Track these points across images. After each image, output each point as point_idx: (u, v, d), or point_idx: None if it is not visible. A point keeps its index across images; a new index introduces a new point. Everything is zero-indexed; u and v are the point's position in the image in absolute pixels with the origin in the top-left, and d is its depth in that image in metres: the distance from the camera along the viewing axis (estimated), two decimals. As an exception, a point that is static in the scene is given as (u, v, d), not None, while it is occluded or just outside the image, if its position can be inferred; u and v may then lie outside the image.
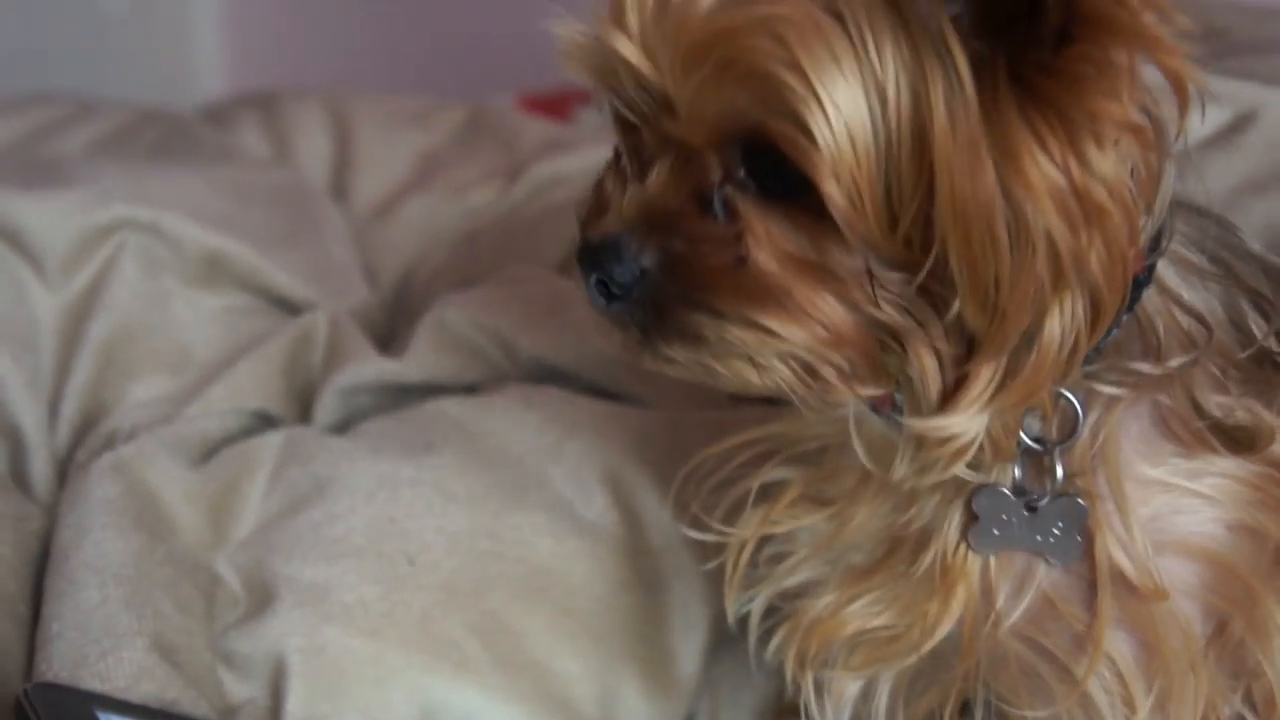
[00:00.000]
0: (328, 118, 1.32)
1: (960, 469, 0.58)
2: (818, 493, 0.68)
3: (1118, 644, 0.60)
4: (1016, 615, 0.61)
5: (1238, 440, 0.60)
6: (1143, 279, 0.58)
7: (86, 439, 0.88)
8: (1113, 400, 0.59)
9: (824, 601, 0.66)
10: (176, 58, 2.53)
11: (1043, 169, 0.49)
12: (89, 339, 0.92)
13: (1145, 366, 0.58)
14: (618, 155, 0.60)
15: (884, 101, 0.50)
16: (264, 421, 0.91)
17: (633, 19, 0.54)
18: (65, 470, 0.87)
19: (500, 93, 1.82)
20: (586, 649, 0.81)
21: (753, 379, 0.56)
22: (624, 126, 0.59)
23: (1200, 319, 0.60)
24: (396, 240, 1.18)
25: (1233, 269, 0.63)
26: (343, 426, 0.91)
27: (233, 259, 0.99)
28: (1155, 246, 0.58)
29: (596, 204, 0.60)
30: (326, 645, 0.76)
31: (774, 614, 0.71)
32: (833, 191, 0.51)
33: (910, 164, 0.51)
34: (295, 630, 0.76)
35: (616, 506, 0.84)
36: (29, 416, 0.88)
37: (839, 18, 0.50)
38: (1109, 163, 0.50)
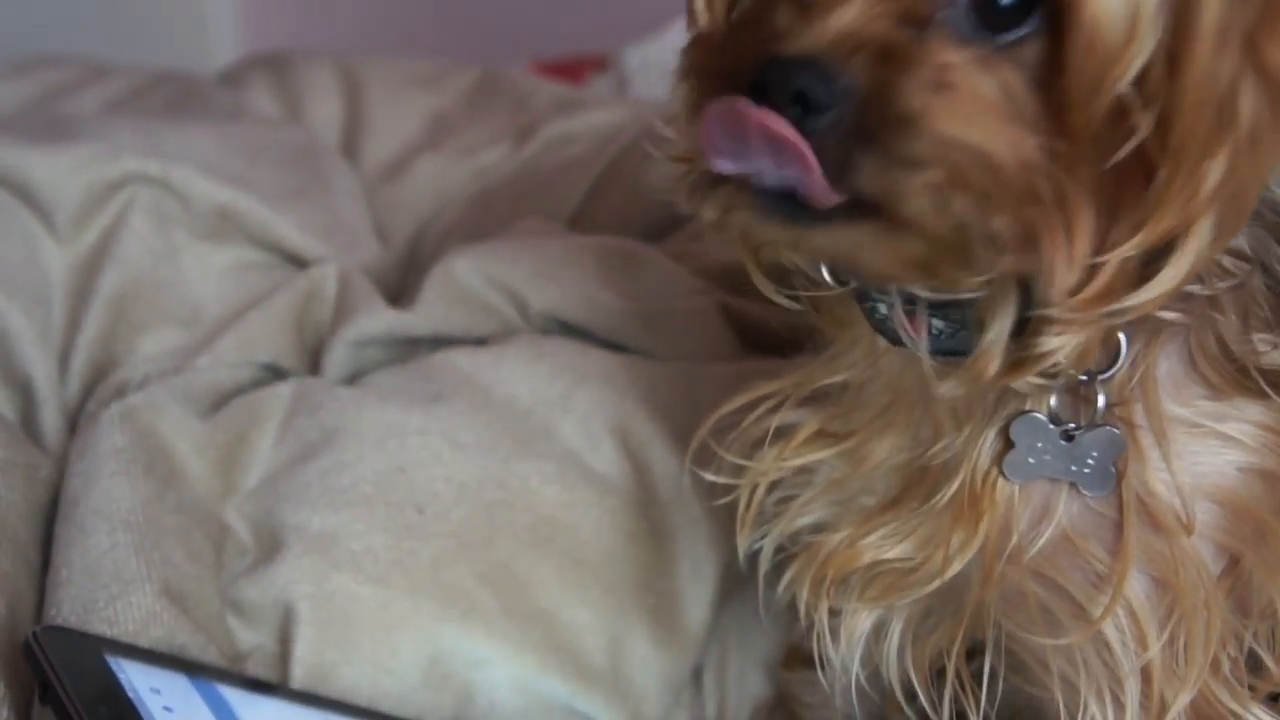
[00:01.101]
0: (339, 79, 1.31)
1: (1034, 383, 0.57)
2: (834, 428, 0.67)
3: (1133, 582, 0.60)
4: (1035, 549, 0.61)
5: (1271, 384, 0.60)
6: None
7: (97, 390, 0.88)
8: (1154, 331, 0.59)
9: (840, 535, 0.66)
10: (190, 24, 2.53)
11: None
12: (99, 293, 0.92)
13: (1195, 288, 0.57)
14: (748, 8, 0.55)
15: None
16: (274, 374, 0.91)
17: None
18: (76, 422, 0.87)
19: (514, 60, 1.83)
20: (595, 598, 0.81)
21: (929, 219, 0.51)
22: None
23: (1240, 254, 0.59)
24: (408, 199, 1.17)
25: (1259, 212, 0.62)
26: (353, 379, 0.91)
27: (243, 213, 0.98)
28: None
29: (763, 34, 0.53)
30: (334, 593, 0.77)
31: (784, 555, 0.71)
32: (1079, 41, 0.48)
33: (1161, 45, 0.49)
34: (303, 578, 0.77)
35: (626, 457, 0.84)
36: (40, 369, 0.88)
37: None
38: None
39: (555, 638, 0.80)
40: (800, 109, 0.50)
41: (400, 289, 1.04)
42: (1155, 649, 0.59)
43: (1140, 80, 0.50)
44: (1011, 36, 0.50)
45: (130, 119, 1.12)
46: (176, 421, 0.82)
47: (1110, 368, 0.59)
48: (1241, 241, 0.60)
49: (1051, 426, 0.60)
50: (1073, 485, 0.61)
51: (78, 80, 1.32)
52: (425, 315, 0.90)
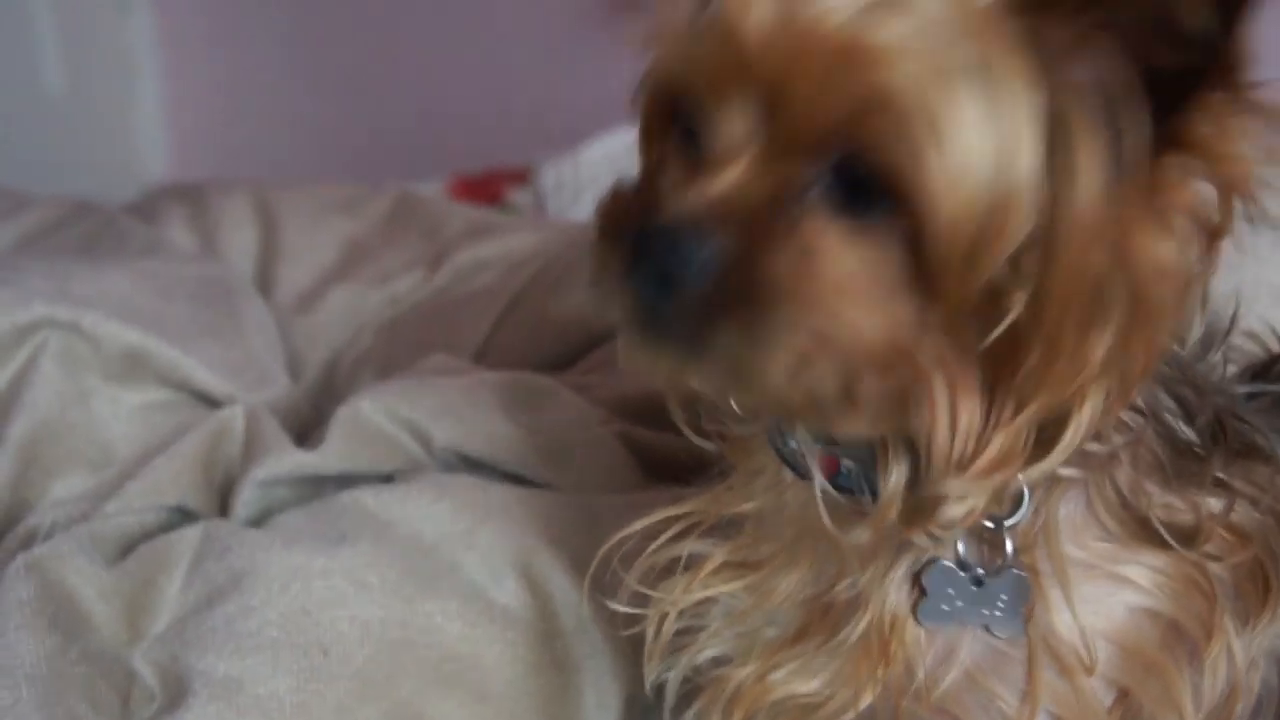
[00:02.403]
0: (254, 209, 1.34)
1: (935, 535, 0.60)
2: (741, 559, 0.69)
3: None
4: (940, 689, 0.63)
5: (1174, 535, 0.62)
6: None
7: (4, 539, 0.88)
8: (1054, 480, 0.61)
9: (747, 670, 0.67)
10: (118, 137, 2.55)
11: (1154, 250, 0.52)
12: (10, 439, 0.93)
13: (1093, 446, 0.60)
14: (687, 132, 0.58)
15: (1009, 167, 0.51)
16: (183, 516, 0.92)
17: (758, 14, 0.53)
18: (-16, 572, 0.87)
19: (435, 173, 1.87)
20: (501, 733, 0.82)
21: (778, 388, 0.54)
22: (675, 131, 0.58)
23: (1136, 408, 0.63)
24: (321, 329, 1.20)
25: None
26: (262, 517, 0.92)
27: (152, 355, 1.00)
28: None
29: (650, 189, 0.57)
30: (240, 739, 0.77)
31: (690, 686, 0.72)
32: (927, 224, 0.51)
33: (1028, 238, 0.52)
34: (209, 725, 0.77)
35: (528, 590, 0.86)
36: (-52, 518, 0.89)
37: (984, 65, 0.51)
38: (1167, 250, 0.53)
39: (460, 775, 0.81)
40: (662, 286, 0.54)
41: (314, 421, 1.05)
42: None
43: (1013, 264, 0.52)
44: (876, 215, 0.53)
45: (43, 260, 1.14)
46: (82, 570, 0.83)
47: (1013, 513, 0.61)
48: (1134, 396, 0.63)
49: (961, 574, 0.62)
50: (981, 626, 0.63)
51: (-2, 212, 1.34)
52: (332, 455, 0.92)
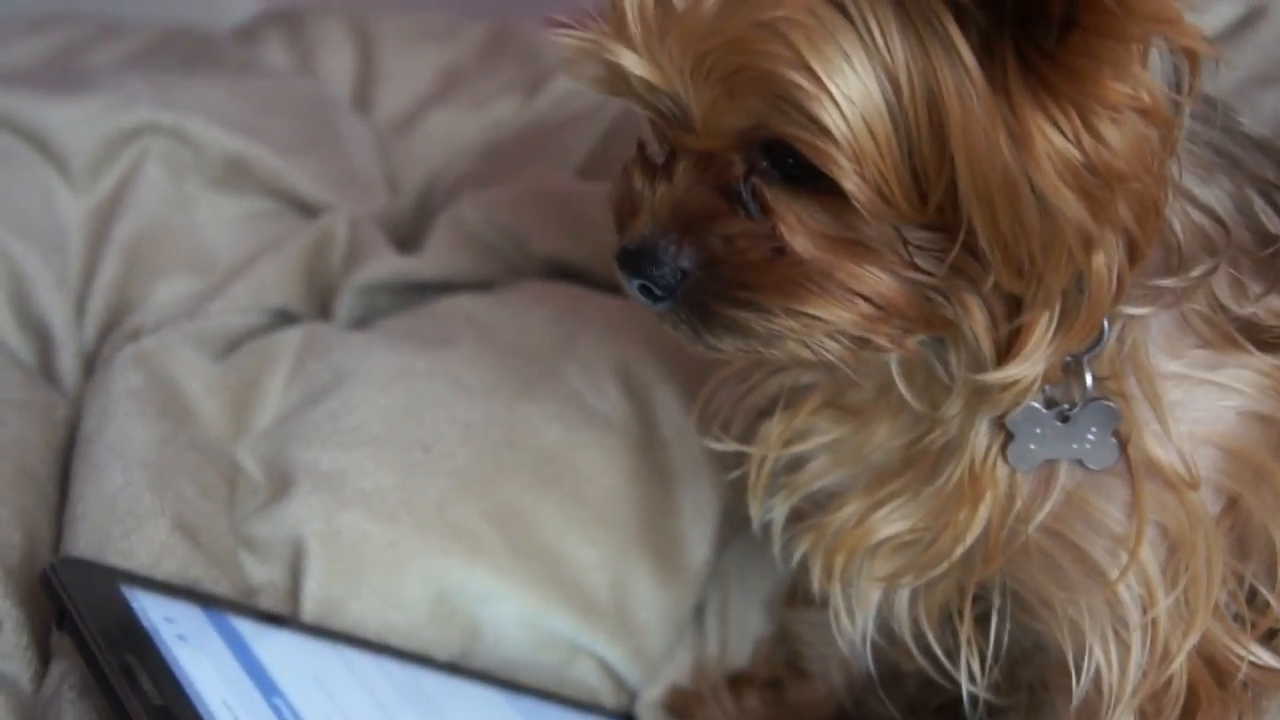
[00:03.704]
0: (351, 33, 1.33)
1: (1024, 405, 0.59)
2: (839, 399, 0.68)
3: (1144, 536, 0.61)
4: (1042, 515, 0.62)
5: (1266, 342, 0.61)
6: None
7: (112, 335, 0.90)
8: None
9: (849, 510, 0.67)
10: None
11: (1053, 145, 0.49)
12: (115, 240, 0.94)
13: (1168, 282, 0.59)
14: (642, 148, 0.60)
15: (897, 89, 0.50)
16: (285, 319, 0.93)
17: (635, 29, 0.53)
18: (92, 365, 0.89)
19: (526, 15, 1.83)
20: (599, 536, 0.83)
21: (805, 356, 0.57)
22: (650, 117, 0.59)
23: (1215, 217, 0.60)
24: (419, 151, 1.19)
25: (1237, 158, 0.63)
26: (362, 324, 0.93)
27: (255, 163, 1.00)
28: None
29: (627, 203, 0.60)
30: (343, 530, 0.78)
31: (798, 520, 0.72)
32: (854, 188, 0.51)
33: (931, 146, 0.51)
34: (313, 515, 0.79)
35: (628, 399, 0.86)
36: (57, 313, 0.91)
37: (842, 11, 0.50)
38: (1122, 134, 0.50)
39: (560, 575, 0.81)
40: (647, 295, 0.58)
41: (411, 237, 1.05)
42: (1164, 603, 0.60)
43: (933, 175, 0.52)
44: (820, 181, 0.52)
45: (144, 73, 1.13)
46: (189, 364, 0.84)
47: (1095, 346, 0.60)
48: (1222, 197, 0.61)
49: (1045, 411, 0.61)
50: (1074, 460, 0.62)
51: (92, 37, 1.33)
52: (432, 261, 0.92)
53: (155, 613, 0.68)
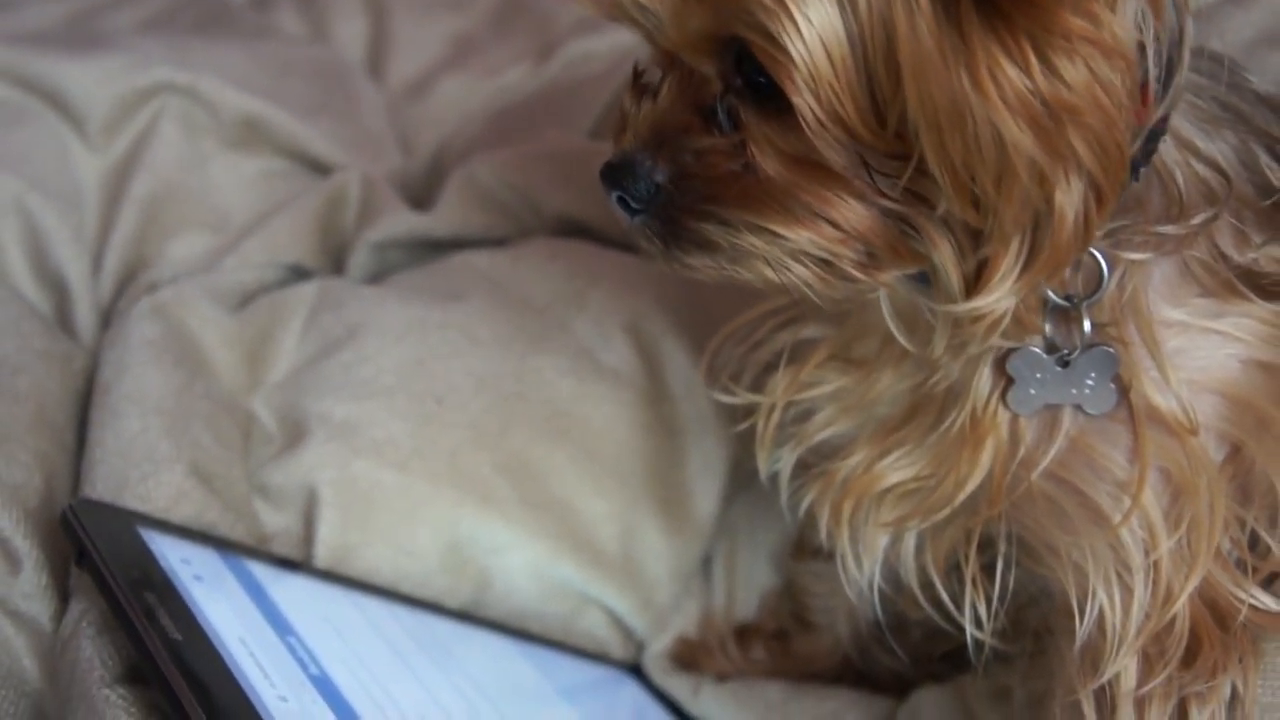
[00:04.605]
0: (364, 1, 1.33)
1: (995, 340, 0.60)
2: (845, 352, 0.69)
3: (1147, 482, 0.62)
4: (1046, 460, 0.63)
5: (1266, 289, 0.61)
6: (1159, 130, 0.58)
7: (128, 288, 0.91)
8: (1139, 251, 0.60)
9: (856, 458, 0.68)
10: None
11: (1006, 78, 0.50)
12: (131, 197, 0.95)
13: (1169, 229, 0.59)
14: (637, 73, 0.62)
15: (856, 11, 0.51)
16: (298, 274, 0.94)
17: None
18: (108, 318, 0.90)
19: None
20: (609, 488, 0.84)
21: (771, 278, 0.58)
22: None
23: (1218, 168, 0.61)
24: (431, 115, 1.19)
25: (1243, 113, 0.63)
26: (375, 280, 0.94)
27: (269, 123, 1.01)
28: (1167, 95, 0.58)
29: (619, 122, 0.62)
30: (357, 478, 0.79)
31: (804, 470, 0.73)
32: (802, 104, 0.52)
33: (886, 70, 0.52)
34: (327, 463, 0.80)
35: (638, 353, 0.86)
36: (74, 268, 0.92)
37: None
38: (1076, 69, 0.50)
39: (570, 526, 0.82)
40: (624, 209, 0.60)
41: (423, 198, 1.06)
42: (1166, 545, 0.61)
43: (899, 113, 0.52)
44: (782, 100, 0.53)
45: (161, 35, 1.14)
46: (205, 316, 0.85)
47: (1094, 293, 0.61)
48: (1225, 150, 0.61)
49: (1045, 356, 0.62)
50: (1074, 405, 0.62)
51: (110, 2, 1.34)
52: (445, 218, 0.93)
53: (172, 554, 0.69)
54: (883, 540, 0.70)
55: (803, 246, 0.56)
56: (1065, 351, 0.61)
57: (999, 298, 0.56)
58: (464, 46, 1.30)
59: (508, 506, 0.81)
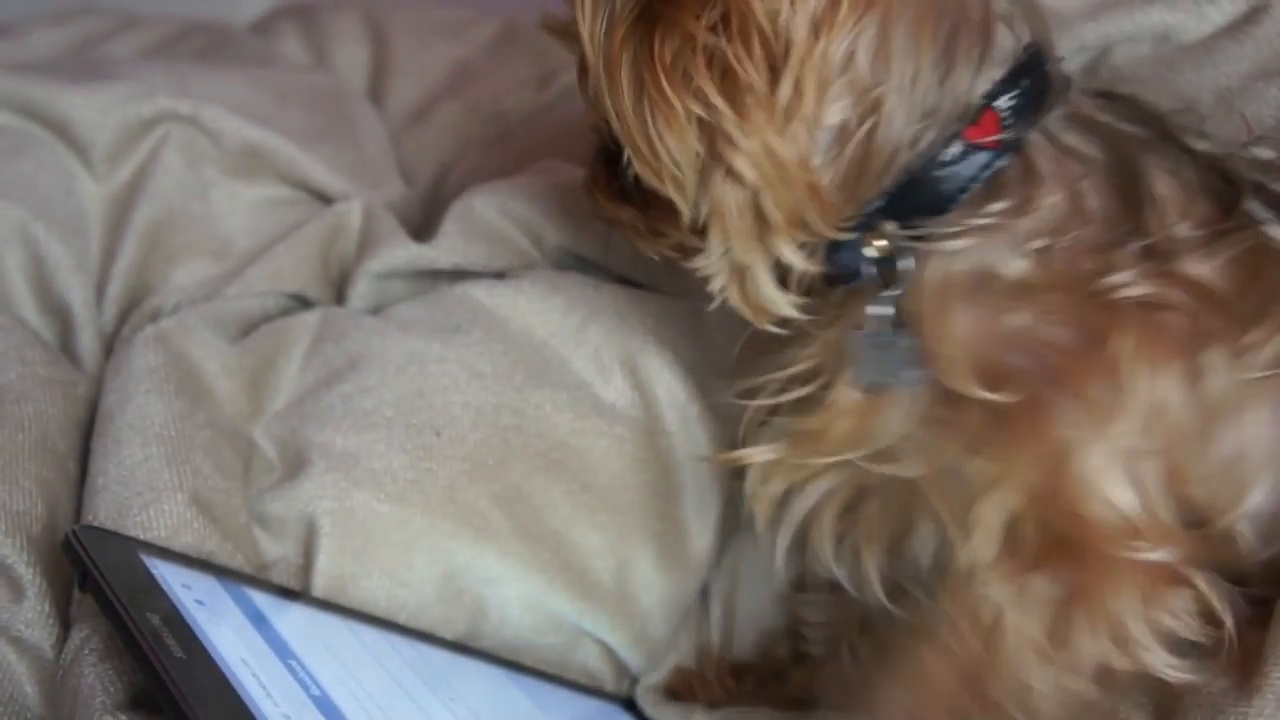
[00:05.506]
0: (365, 27, 1.35)
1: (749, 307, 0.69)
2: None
3: None
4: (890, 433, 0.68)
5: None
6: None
7: (131, 316, 0.92)
8: (928, 251, 0.66)
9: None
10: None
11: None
12: (133, 225, 0.96)
13: (978, 220, 0.65)
14: None
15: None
16: (300, 304, 0.94)
17: None
18: (111, 346, 0.91)
19: (535, 13, 1.84)
20: (604, 522, 0.85)
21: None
22: None
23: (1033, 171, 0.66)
24: (431, 143, 1.20)
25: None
26: (375, 311, 0.94)
27: (271, 151, 1.02)
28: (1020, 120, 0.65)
29: None
30: (355, 509, 0.80)
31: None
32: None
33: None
34: (326, 494, 0.80)
35: (634, 388, 0.87)
36: (78, 295, 0.92)
37: None
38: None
39: (564, 558, 0.83)
40: None
41: (423, 226, 1.07)
42: None
43: None
44: None
45: (163, 63, 1.15)
46: (207, 345, 0.86)
47: (894, 282, 0.67)
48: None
49: (869, 338, 0.68)
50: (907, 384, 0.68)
51: (112, 29, 1.35)
52: (446, 249, 0.94)
53: (174, 579, 0.70)
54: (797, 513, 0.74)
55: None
56: (881, 335, 0.68)
57: (712, 262, 0.67)
58: (463, 74, 1.32)
59: (503, 539, 0.82)
